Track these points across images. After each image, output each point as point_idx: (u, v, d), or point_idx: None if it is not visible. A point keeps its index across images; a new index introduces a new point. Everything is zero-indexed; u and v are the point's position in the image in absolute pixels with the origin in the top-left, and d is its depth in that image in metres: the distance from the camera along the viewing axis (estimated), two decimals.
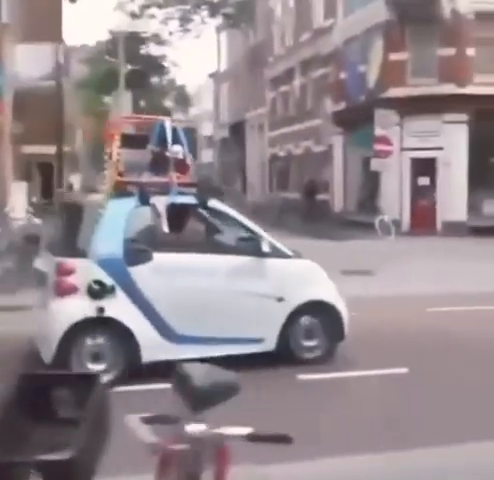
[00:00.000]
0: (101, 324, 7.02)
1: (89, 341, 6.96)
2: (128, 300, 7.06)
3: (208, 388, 2.48)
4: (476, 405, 6.48)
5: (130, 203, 7.27)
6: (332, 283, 8.11)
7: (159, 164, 7.53)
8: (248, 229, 7.71)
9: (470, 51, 24.51)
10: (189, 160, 7.79)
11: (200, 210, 7.60)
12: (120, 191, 7.43)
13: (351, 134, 28.79)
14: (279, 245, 7.81)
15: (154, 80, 51.41)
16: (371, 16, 26.36)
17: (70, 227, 7.81)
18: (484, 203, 24.63)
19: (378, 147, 24.01)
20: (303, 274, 7.90)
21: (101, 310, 6.93)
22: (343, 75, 29.68)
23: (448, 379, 7.34)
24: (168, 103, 55.70)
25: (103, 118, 30.59)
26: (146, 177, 7.53)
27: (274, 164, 40.40)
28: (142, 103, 44.17)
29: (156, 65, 48.89)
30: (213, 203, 7.61)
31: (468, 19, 24.44)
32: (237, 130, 46.52)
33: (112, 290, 6.97)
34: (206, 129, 55.62)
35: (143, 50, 46.81)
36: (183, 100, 58.08)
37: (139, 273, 7.09)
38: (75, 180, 37.47)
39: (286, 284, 7.71)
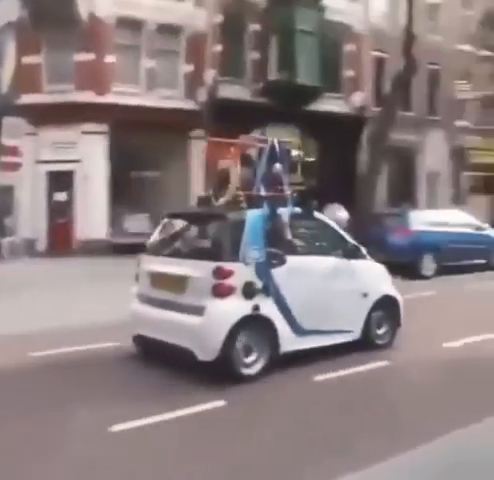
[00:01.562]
0: (253, 321, 7.98)
1: (243, 336, 7.86)
2: (271, 299, 8.17)
3: None
4: None
5: (262, 213, 8.34)
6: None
7: (268, 179, 8.64)
8: (340, 235, 9.28)
9: (110, 58, 22.94)
10: (285, 177, 8.81)
11: (307, 219, 9.06)
12: (250, 203, 8.36)
13: None
14: (361, 247, 9.42)
15: None
16: (3, 14, 23.70)
17: (214, 234, 8.85)
18: (125, 219, 23.13)
19: (5, 159, 21.36)
20: (377, 272, 9.68)
21: (256, 308, 8.00)
22: None
23: None
24: None
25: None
26: (262, 191, 8.55)
27: None
28: None
29: None
30: (316, 214, 9.21)
31: (108, 24, 22.89)
32: None
33: (262, 290, 8.07)
34: None
35: None
36: None
37: (277, 274, 8.21)
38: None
39: (368, 282, 9.40)
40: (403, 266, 16.74)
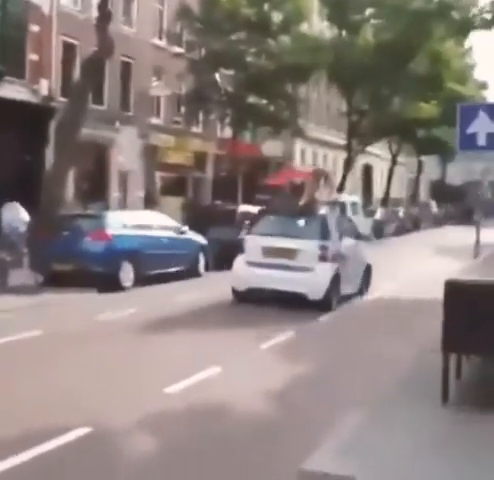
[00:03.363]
0: (335, 276, 13.31)
1: (332, 285, 13.26)
2: (340, 265, 13.56)
3: None
4: None
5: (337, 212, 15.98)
6: None
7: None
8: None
9: None
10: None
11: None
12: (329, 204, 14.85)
13: None
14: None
15: None
16: None
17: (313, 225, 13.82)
18: None
19: None
20: (362, 247, 15.96)
21: (338, 269, 13.46)
22: None
23: None
24: None
25: None
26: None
27: None
28: None
29: None
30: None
31: None
32: None
33: (339, 259, 13.53)
34: None
35: None
36: None
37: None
38: None
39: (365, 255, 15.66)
40: (99, 276, 14.62)
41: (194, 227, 18.87)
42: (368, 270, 15.54)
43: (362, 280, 15.16)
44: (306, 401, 7.29)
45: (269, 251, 13.23)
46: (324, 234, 13.43)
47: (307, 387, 7.84)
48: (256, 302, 13.32)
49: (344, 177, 39.67)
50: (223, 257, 18.80)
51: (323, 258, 13.04)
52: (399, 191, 58.26)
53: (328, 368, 8.81)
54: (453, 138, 41.64)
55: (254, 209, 23.16)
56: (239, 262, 13.80)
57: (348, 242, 14.51)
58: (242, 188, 35.90)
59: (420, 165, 58.39)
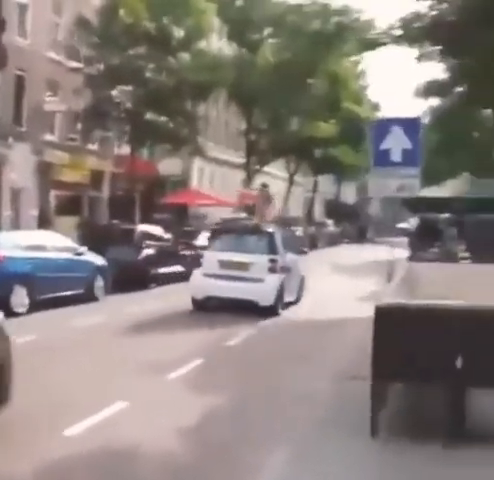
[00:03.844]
0: (281, 286, 15.54)
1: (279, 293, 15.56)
2: (284, 275, 15.86)
3: None
4: None
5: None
6: None
7: None
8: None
9: None
10: None
11: None
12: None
13: None
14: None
15: None
16: None
17: (262, 241, 16.07)
18: None
19: None
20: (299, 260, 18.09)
21: (283, 280, 15.67)
22: None
23: None
24: None
25: None
26: None
27: None
28: None
29: None
30: None
31: None
32: None
33: (285, 270, 15.81)
34: None
35: None
36: None
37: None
38: None
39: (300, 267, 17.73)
40: None
41: (91, 248, 17.93)
42: (303, 281, 17.80)
43: (298, 289, 17.28)
44: (224, 439, 6.63)
45: (225, 264, 15.25)
46: (273, 249, 15.48)
47: (223, 422, 7.19)
48: (178, 324, 12.81)
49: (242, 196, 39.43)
50: (122, 279, 18.00)
51: (272, 270, 15.15)
52: (296, 210, 58.58)
53: (242, 399, 8.18)
54: (349, 157, 42.50)
55: (153, 229, 22.53)
56: (197, 274, 15.75)
57: (290, 256, 16.70)
58: (139, 207, 35.04)
59: (316, 184, 58.96)
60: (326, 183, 65.64)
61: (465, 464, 5.71)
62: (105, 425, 6.82)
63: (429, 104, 37.11)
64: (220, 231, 16.98)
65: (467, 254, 17.70)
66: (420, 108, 28.56)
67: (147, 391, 8.21)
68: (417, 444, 6.03)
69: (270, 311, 14.86)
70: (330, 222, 54.72)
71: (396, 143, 10.13)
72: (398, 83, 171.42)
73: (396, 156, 10.18)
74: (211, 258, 15.57)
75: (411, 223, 26.04)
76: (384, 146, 10.25)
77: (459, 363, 5.93)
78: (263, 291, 14.89)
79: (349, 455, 5.86)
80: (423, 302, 6.37)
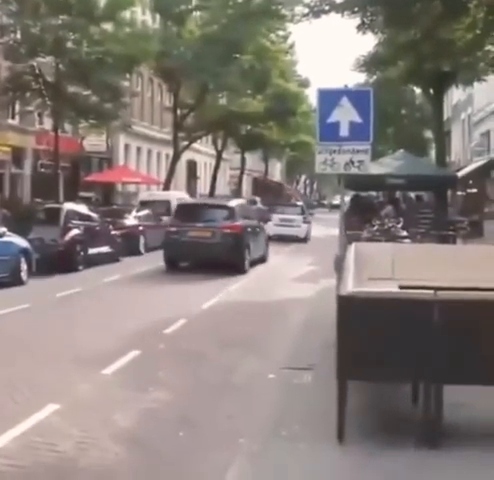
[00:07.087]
0: None
1: None
2: None
3: None
4: None
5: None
6: None
7: None
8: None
9: None
10: None
11: None
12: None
13: None
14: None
15: None
16: None
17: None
18: None
19: None
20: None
21: None
22: None
23: None
24: None
25: None
26: None
27: None
28: None
29: None
30: None
31: None
32: None
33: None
34: None
35: None
36: None
37: None
38: None
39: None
40: None
41: (13, 228, 16.77)
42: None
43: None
44: (171, 444, 5.92)
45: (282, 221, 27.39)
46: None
47: (164, 424, 6.47)
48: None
49: (170, 173, 38.50)
50: (48, 261, 16.99)
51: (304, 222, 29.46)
52: (223, 187, 57.81)
53: (187, 395, 7.48)
54: (276, 134, 41.74)
55: (79, 207, 21.42)
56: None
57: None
58: (64, 185, 33.75)
59: (243, 161, 58.22)
60: (254, 160, 65.03)
61: (441, 468, 5.17)
62: (36, 433, 6.01)
63: (359, 79, 36.55)
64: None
65: (405, 233, 17.35)
66: (351, 83, 28.06)
67: (80, 390, 7.42)
68: (388, 447, 5.46)
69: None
70: (258, 199, 54.16)
71: (344, 116, 9.50)
72: (328, 58, 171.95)
73: (344, 130, 9.54)
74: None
75: (343, 200, 25.59)
76: (331, 119, 9.61)
77: (435, 357, 5.36)
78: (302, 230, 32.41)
79: (313, 466, 5.23)
80: (395, 291, 5.75)
